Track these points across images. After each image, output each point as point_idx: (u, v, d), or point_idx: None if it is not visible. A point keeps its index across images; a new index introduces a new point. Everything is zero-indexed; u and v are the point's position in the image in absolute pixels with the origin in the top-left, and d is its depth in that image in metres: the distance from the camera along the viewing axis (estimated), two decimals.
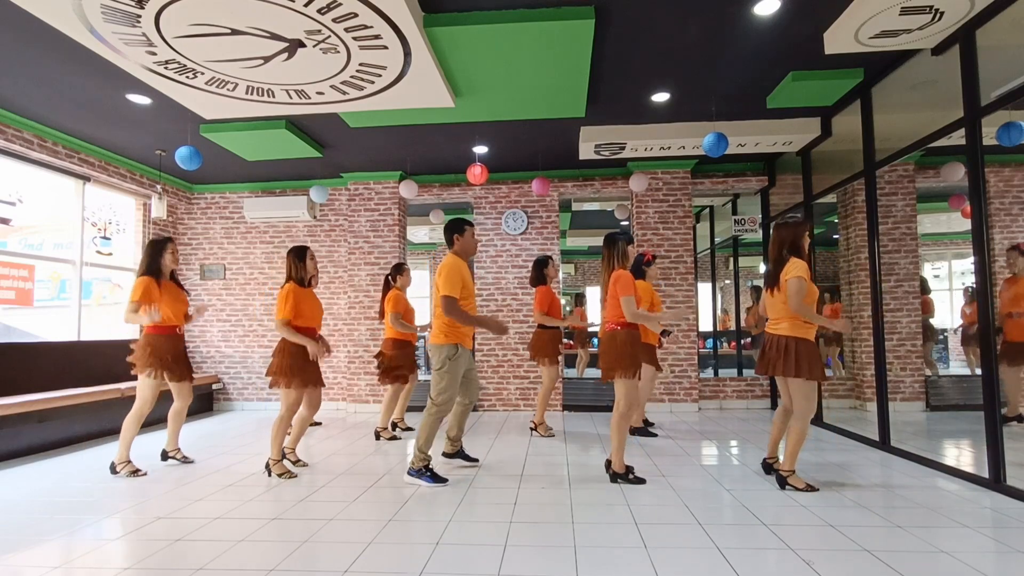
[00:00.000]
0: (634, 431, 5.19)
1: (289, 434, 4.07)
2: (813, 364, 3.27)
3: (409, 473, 3.66)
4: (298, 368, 3.79)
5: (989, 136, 3.89)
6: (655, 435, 5.07)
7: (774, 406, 6.46)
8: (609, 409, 6.48)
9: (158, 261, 4.02)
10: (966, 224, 3.74)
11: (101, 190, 6.19)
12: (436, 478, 3.61)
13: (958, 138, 3.58)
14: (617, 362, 3.53)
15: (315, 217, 7.12)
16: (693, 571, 2.29)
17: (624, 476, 3.58)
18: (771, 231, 3.58)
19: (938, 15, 3.34)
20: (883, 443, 4.39)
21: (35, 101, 4.61)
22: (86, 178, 5.86)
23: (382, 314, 5.20)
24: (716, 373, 8.03)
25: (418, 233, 9.91)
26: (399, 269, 5.21)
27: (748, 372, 7.54)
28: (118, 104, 4.70)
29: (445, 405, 3.66)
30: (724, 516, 2.94)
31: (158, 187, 6.61)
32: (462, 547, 2.57)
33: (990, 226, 3.60)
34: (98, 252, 6.31)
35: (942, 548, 2.48)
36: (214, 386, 7.03)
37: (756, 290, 7.93)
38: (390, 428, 5.29)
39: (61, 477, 3.95)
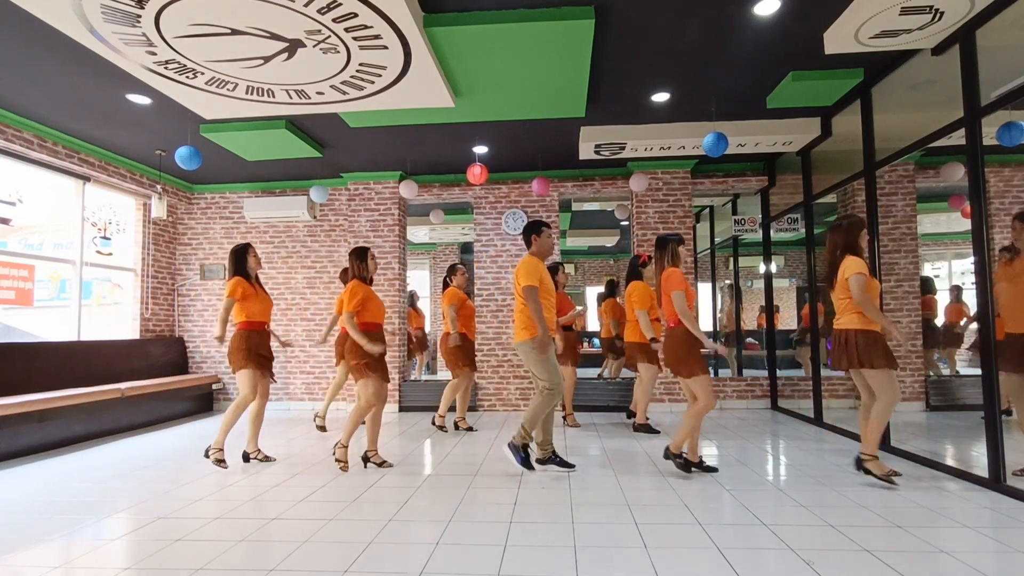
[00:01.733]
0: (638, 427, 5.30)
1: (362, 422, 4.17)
2: (876, 352, 3.34)
3: (508, 445, 3.78)
4: (375, 363, 3.93)
5: (989, 136, 3.89)
6: (657, 432, 5.14)
7: (774, 406, 6.46)
8: (611, 409, 6.48)
9: (244, 264, 4.21)
10: (966, 224, 3.74)
11: (101, 190, 6.19)
12: (527, 463, 3.75)
13: (958, 138, 3.58)
14: (681, 363, 3.65)
15: (315, 217, 7.13)
16: (693, 571, 2.29)
17: (699, 464, 3.75)
18: (827, 234, 3.68)
19: (938, 15, 3.34)
20: (883, 443, 4.38)
21: (35, 101, 4.61)
22: (86, 178, 5.86)
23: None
24: (716, 373, 8.04)
25: (418, 233, 9.91)
26: (453, 270, 5.43)
27: (748, 372, 7.54)
28: (118, 104, 4.70)
29: (556, 387, 3.70)
30: (724, 516, 2.94)
31: (158, 187, 6.61)
32: (462, 547, 2.57)
33: (990, 226, 3.60)
34: (98, 252, 6.31)
35: (942, 548, 2.48)
36: (214, 386, 7.03)
37: (732, 289, 8.08)
38: (453, 426, 5.55)
39: (61, 477, 3.95)
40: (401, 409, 6.75)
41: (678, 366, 3.69)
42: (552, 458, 3.86)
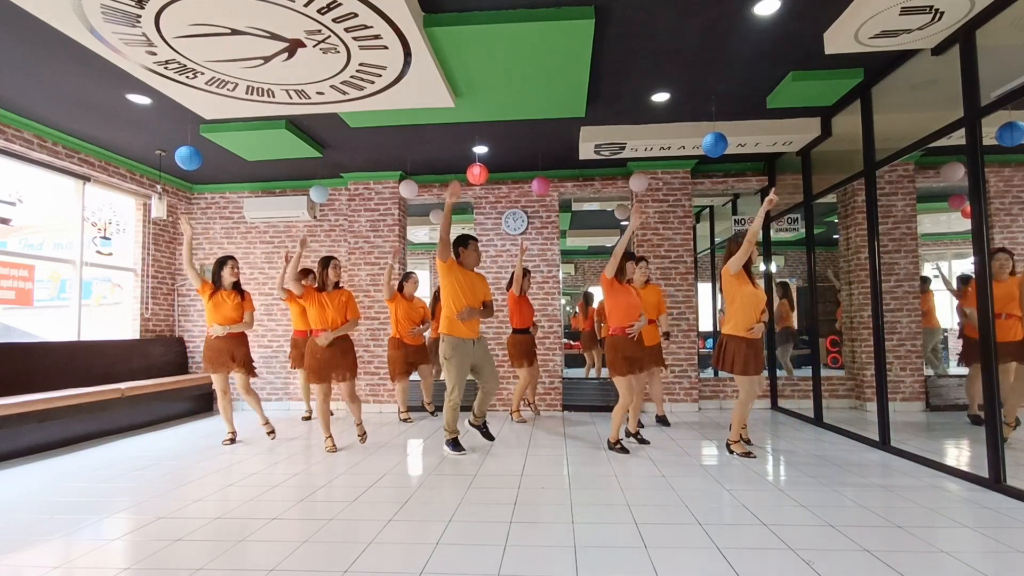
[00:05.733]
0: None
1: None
2: (736, 358, 4.06)
3: (445, 443, 4.47)
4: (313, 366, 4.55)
5: (989, 136, 3.89)
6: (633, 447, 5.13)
7: (774, 406, 6.46)
8: (609, 409, 6.48)
9: (219, 277, 4.85)
10: (966, 224, 3.74)
11: (101, 190, 6.18)
12: (456, 447, 4.41)
13: (958, 138, 3.58)
14: (609, 364, 4.33)
15: (315, 217, 7.12)
16: (693, 571, 2.29)
17: (614, 445, 4.45)
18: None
19: (938, 15, 3.34)
20: (883, 443, 4.39)
21: (35, 101, 4.61)
22: (86, 178, 5.86)
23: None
24: (716, 373, 8.03)
25: (418, 233, 9.91)
26: (406, 278, 5.88)
27: None
28: (118, 104, 4.70)
29: (452, 396, 4.34)
30: (724, 516, 2.94)
31: (158, 187, 6.61)
32: (462, 547, 2.57)
33: (990, 226, 3.60)
34: (98, 252, 6.31)
35: (942, 548, 2.49)
36: (214, 386, 7.00)
37: (782, 287, 8.02)
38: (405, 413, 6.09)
39: (61, 477, 3.95)
40: None
41: (610, 368, 4.34)
42: (481, 427, 4.71)
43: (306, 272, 5.71)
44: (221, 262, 4.88)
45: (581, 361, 9.53)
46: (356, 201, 6.95)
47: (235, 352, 4.91)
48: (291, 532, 2.79)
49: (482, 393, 4.57)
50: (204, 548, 2.60)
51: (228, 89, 4.11)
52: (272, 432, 5.05)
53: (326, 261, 4.58)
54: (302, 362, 5.67)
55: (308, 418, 6.19)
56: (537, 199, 6.83)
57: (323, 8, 3.06)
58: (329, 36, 3.36)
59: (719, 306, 10.45)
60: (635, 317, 4.30)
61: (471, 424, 4.71)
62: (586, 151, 5.71)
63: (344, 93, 4.20)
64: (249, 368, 5.01)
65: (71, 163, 5.52)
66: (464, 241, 4.42)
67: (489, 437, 4.72)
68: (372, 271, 6.87)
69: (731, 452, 4.27)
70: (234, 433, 5.03)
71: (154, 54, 3.57)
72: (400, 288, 5.86)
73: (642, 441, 4.70)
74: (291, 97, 4.25)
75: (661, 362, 5.25)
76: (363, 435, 4.82)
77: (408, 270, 6.03)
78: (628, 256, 4.27)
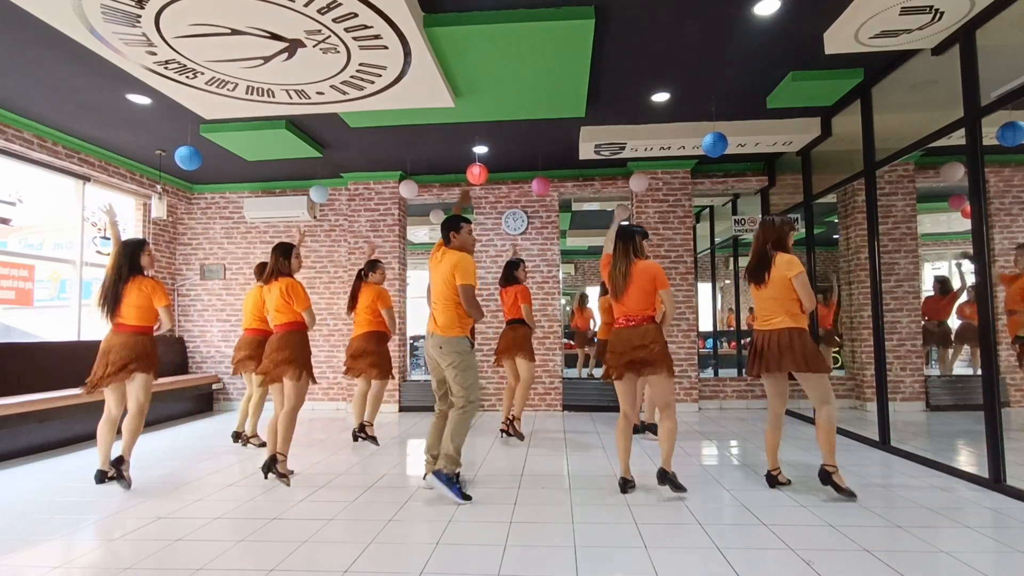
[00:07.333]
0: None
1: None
2: (818, 355, 3.19)
3: (435, 475, 3.29)
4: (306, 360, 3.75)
5: (989, 136, 3.89)
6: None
7: None
8: (608, 409, 6.48)
9: (139, 263, 3.77)
10: (966, 224, 3.74)
11: (101, 190, 6.18)
12: (463, 495, 3.28)
13: (958, 138, 3.58)
14: (663, 357, 3.27)
15: (315, 217, 7.12)
16: (693, 571, 2.29)
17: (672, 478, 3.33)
18: (757, 230, 3.54)
19: (938, 15, 3.34)
20: (883, 443, 4.39)
21: (35, 101, 4.61)
22: (86, 178, 5.86)
23: (352, 307, 4.81)
24: (716, 373, 8.04)
25: (418, 233, 9.92)
26: (373, 266, 4.86)
27: None
28: (118, 104, 4.70)
29: (476, 400, 3.41)
30: (724, 516, 2.94)
31: (158, 187, 6.61)
32: (462, 547, 2.57)
33: (990, 226, 3.60)
34: (98, 252, 6.31)
35: (942, 548, 2.48)
36: (214, 386, 7.02)
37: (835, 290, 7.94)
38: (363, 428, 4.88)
39: (61, 477, 3.95)
40: (401, 409, 6.75)
41: (662, 363, 3.25)
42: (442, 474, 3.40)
43: (263, 265, 4.61)
44: (138, 245, 3.80)
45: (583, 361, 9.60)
46: (356, 201, 6.95)
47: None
48: (291, 532, 2.79)
49: (446, 416, 3.52)
50: (204, 548, 2.60)
51: (228, 89, 4.11)
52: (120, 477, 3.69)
53: (288, 249, 3.82)
54: (256, 366, 4.38)
55: (262, 443, 4.82)
56: (537, 199, 6.83)
57: (323, 8, 3.06)
58: (329, 36, 3.36)
59: (719, 305, 10.46)
60: None
61: (432, 472, 3.36)
62: (586, 151, 5.71)
63: (344, 93, 4.20)
64: None
65: (71, 163, 5.52)
66: (456, 224, 3.53)
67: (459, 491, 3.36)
68: None
69: (835, 487, 3.22)
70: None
71: (154, 54, 3.57)
72: (364, 276, 4.84)
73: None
74: (291, 97, 4.25)
75: None
76: (282, 473, 3.67)
77: (375, 258, 5.07)
78: (643, 235, 3.50)
